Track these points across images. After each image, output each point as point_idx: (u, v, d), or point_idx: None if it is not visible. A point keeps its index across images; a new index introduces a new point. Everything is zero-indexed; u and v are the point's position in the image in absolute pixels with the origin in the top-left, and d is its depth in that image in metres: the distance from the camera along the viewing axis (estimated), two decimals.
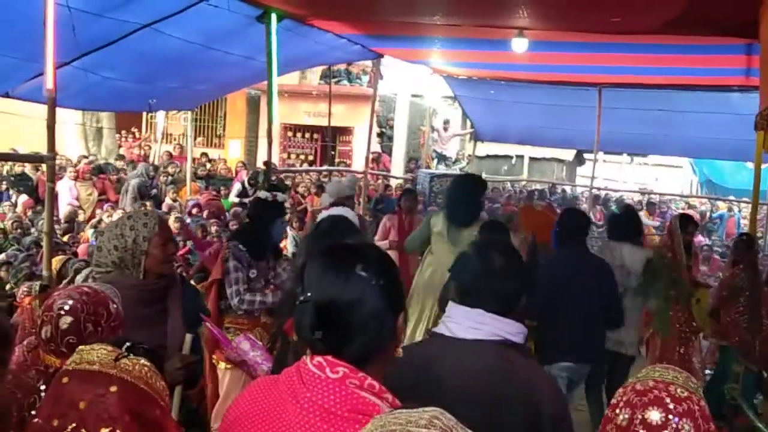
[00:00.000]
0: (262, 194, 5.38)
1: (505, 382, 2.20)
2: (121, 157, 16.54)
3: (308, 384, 1.61)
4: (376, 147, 19.70)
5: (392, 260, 1.82)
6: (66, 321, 2.46)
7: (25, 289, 6.67)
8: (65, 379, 2.03)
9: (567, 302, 5.21)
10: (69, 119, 15.96)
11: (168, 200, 13.14)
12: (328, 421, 1.55)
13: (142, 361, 2.09)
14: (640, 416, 1.66)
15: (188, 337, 3.48)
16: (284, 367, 1.76)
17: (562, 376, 5.17)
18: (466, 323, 2.28)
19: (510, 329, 2.28)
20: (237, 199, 13.68)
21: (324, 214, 4.76)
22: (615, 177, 25.43)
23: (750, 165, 13.00)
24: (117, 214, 11.66)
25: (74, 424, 1.94)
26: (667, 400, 1.66)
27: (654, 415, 1.65)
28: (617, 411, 1.72)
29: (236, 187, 14.12)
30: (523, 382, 2.21)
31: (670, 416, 1.64)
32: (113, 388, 1.98)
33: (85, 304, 2.54)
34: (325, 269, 1.67)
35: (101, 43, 7.29)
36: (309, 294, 1.66)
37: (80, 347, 2.13)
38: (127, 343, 2.17)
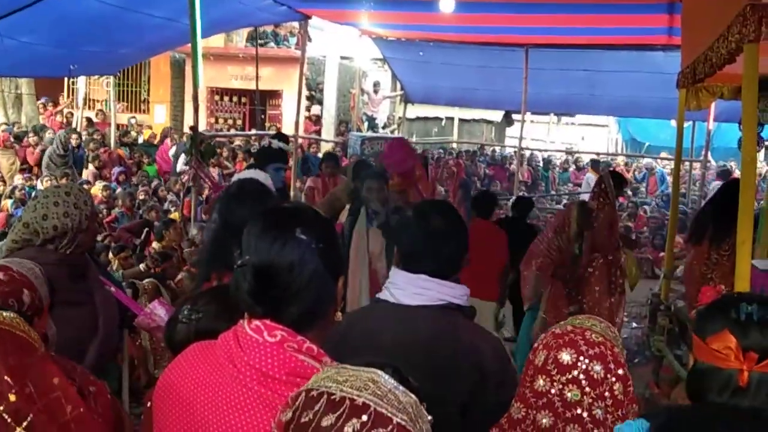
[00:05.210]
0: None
1: (449, 347, 2.20)
2: (43, 128, 16.01)
3: (246, 348, 1.60)
4: (315, 110, 19.52)
5: (331, 224, 1.81)
6: None
7: None
8: None
9: None
10: None
11: (91, 168, 12.78)
12: (265, 385, 1.55)
13: (10, 313, 2.04)
14: (553, 356, 1.74)
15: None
16: None
17: None
18: (410, 289, 2.26)
19: (454, 292, 2.28)
20: (186, 167, 13.38)
21: (235, 176, 4.74)
22: (543, 137, 25.79)
23: (673, 123, 13.33)
24: (40, 184, 11.31)
25: None
26: (581, 342, 1.74)
27: (565, 356, 1.73)
28: (537, 353, 1.80)
29: (182, 157, 13.74)
30: (466, 345, 2.21)
31: (581, 357, 1.72)
32: None
33: None
34: (264, 232, 1.65)
35: (17, 6, 6.99)
36: (247, 257, 1.64)
37: None
38: None
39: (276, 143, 5.45)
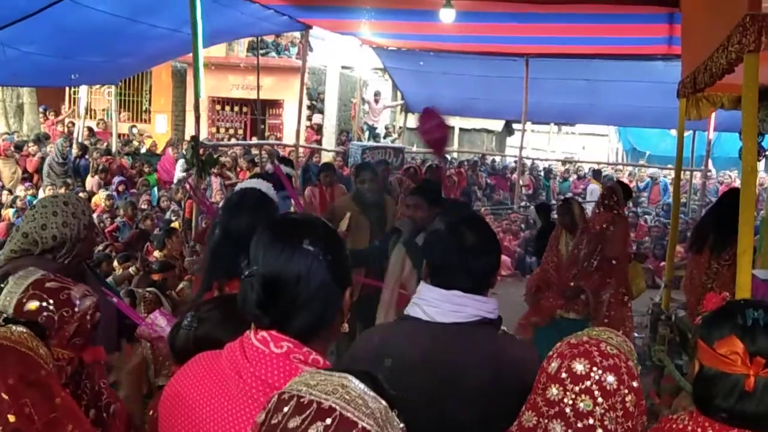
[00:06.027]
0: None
1: (492, 364, 2.15)
2: (47, 137, 16.05)
3: (252, 359, 1.60)
4: (316, 119, 19.54)
5: (339, 235, 1.80)
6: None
7: None
8: None
9: None
10: None
11: (96, 178, 12.83)
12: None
13: (21, 328, 2.05)
14: (567, 365, 1.74)
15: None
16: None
17: None
18: (445, 306, 2.20)
19: (487, 307, 2.23)
20: (183, 174, 13.44)
21: (238, 186, 4.69)
22: (543, 147, 25.80)
23: (673, 132, 13.36)
24: (42, 193, 11.33)
25: None
26: (595, 353, 1.74)
27: (579, 366, 1.73)
28: (550, 361, 1.80)
29: (180, 162, 13.83)
30: (508, 360, 2.17)
31: (595, 368, 1.72)
32: None
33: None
34: (272, 243, 1.65)
35: (19, 16, 7.01)
36: (255, 268, 1.64)
37: None
38: (4, 315, 2.14)
39: (282, 169, 5.30)
